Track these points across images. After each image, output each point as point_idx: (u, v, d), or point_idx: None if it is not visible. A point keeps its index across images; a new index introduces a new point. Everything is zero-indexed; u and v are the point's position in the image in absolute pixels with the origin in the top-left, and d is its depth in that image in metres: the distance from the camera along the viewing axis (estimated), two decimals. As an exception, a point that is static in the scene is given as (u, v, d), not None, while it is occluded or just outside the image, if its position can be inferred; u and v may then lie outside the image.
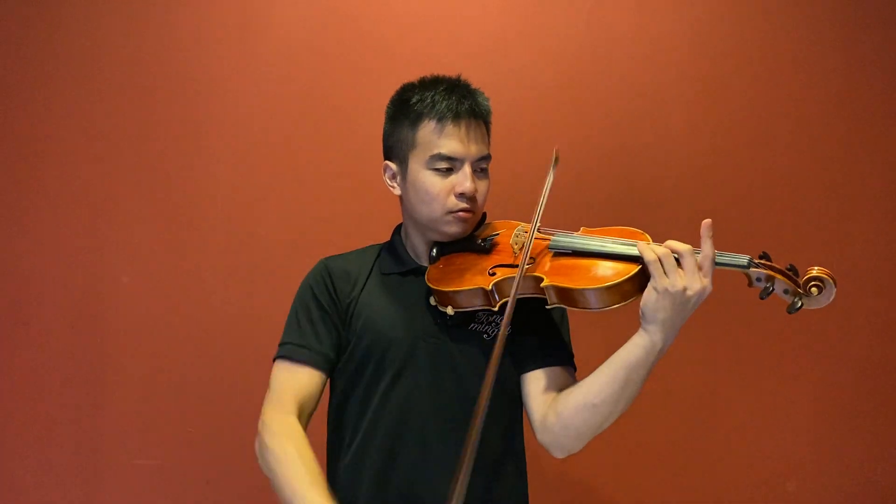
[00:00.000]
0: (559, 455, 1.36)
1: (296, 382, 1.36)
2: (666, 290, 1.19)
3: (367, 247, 1.53)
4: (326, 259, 1.48)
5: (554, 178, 1.36)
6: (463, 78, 1.43)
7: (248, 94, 2.07)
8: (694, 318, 2.03)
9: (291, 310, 1.44)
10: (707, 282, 1.20)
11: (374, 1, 2.08)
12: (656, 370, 2.03)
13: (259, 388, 1.99)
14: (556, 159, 1.38)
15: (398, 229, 1.51)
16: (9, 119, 2.05)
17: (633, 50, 2.09)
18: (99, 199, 2.05)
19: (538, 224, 1.33)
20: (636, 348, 1.24)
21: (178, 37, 2.07)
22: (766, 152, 2.09)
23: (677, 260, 1.20)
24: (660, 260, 1.20)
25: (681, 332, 2.02)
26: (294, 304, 1.45)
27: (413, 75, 2.03)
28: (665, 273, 1.19)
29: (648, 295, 1.21)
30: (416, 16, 2.08)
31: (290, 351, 1.38)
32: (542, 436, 1.35)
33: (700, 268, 1.20)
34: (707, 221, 1.20)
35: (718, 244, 1.23)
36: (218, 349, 2.03)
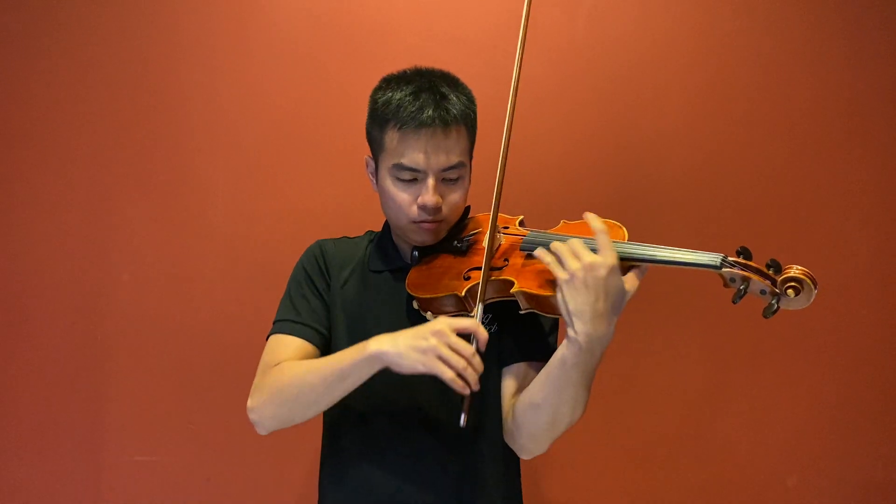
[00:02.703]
0: (523, 455, 1.34)
1: (288, 352, 1.34)
2: (564, 279, 1.15)
3: (364, 234, 1.51)
4: (321, 241, 1.47)
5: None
6: (444, 75, 1.37)
7: (248, 93, 2.06)
8: (695, 315, 2.06)
9: (286, 290, 1.43)
10: (601, 259, 1.13)
11: (374, -3, 2.08)
12: (658, 365, 2.06)
13: (259, 385, 2.01)
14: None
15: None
16: (8, 117, 2.05)
17: (631, 48, 2.09)
18: (99, 196, 2.05)
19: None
20: (563, 347, 1.19)
21: (176, 35, 2.06)
22: (764, 152, 2.09)
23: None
24: (556, 256, 1.17)
25: (681, 328, 2.06)
26: (288, 284, 1.44)
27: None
28: (560, 265, 1.16)
29: (557, 291, 1.16)
30: (414, 12, 2.07)
31: (283, 326, 1.37)
32: (505, 436, 1.34)
33: (600, 248, 1.14)
34: (586, 213, 1.19)
35: (714, 244, 1.20)
36: (219, 346, 2.03)
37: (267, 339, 1.39)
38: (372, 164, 1.40)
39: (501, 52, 2.06)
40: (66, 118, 2.05)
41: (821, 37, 2.09)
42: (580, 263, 1.14)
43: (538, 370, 1.30)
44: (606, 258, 1.14)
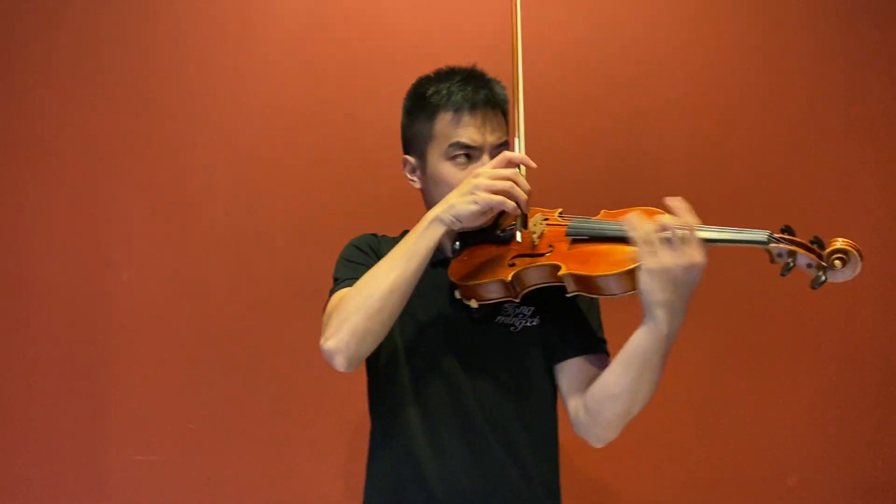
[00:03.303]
0: (596, 444, 1.36)
1: None
2: (653, 269, 1.15)
3: (400, 234, 1.52)
4: (366, 234, 1.49)
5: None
6: (478, 68, 1.44)
7: (249, 91, 2.07)
8: (695, 316, 2.04)
9: (338, 264, 1.42)
10: (696, 255, 1.15)
11: (375, -2, 2.09)
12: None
13: (260, 384, 2.02)
14: None
15: None
16: (9, 115, 2.05)
17: (635, 36, 2.09)
18: (99, 195, 2.05)
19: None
20: (642, 333, 1.21)
21: (177, 34, 2.07)
22: (764, 150, 2.10)
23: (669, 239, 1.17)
24: (646, 240, 1.17)
25: (682, 329, 2.05)
26: (340, 260, 1.43)
27: (413, 72, 2.02)
28: (652, 252, 1.16)
29: (641, 278, 1.17)
30: (417, 12, 2.08)
31: (342, 285, 1.35)
32: (576, 428, 1.36)
33: (684, 241, 1.15)
34: (675, 198, 1.19)
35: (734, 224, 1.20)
36: (219, 345, 2.03)
37: (327, 303, 1.38)
38: (412, 161, 1.43)
39: (502, 52, 2.06)
40: (66, 117, 2.05)
41: (817, 37, 2.10)
42: (680, 259, 1.15)
43: (593, 363, 1.36)
44: (696, 258, 1.16)
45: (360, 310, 1.23)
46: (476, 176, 1.24)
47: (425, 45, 2.06)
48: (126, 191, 2.05)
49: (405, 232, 1.51)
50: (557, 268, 1.25)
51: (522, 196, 1.23)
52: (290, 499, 2.02)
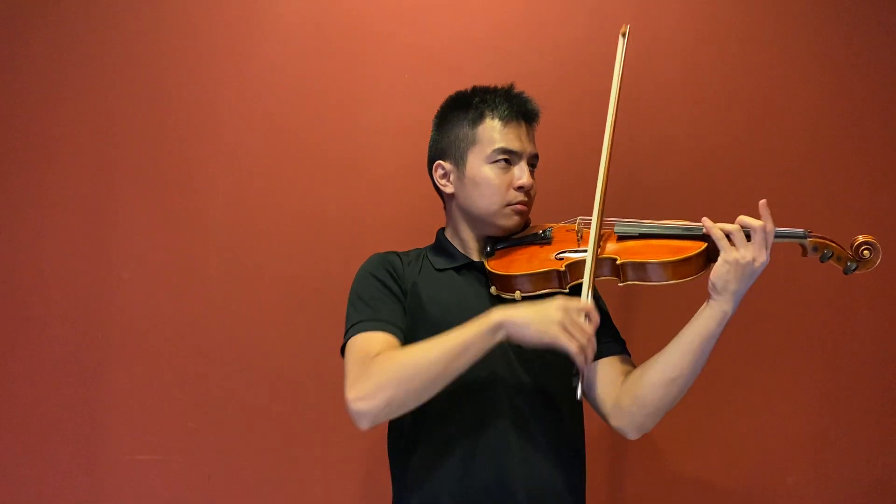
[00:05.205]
0: (634, 436, 1.44)
1: (379, 344, 1.34)
2: (737, 261, 1.28)
3: (409, 250, 1.55)
4: (379, 253, 1.50)
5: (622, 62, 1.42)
6: (516, 86, 1.51)
7: (249, 91, 2.07)
8: (695, 313, 2.06)
9: (350, 299, 1.44)
10: (766, 258, 1.30)
11: (376, -2, 2.09)
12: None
13: (259, 383, 2.02)
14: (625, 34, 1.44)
15: (441, 231, 1.55)
16: (11, 114, 2.05)
17: (637, 39, 2.09)
18: (100, 194, 2.05)
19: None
20: (709, 320, 1.33)
21: (178, 34, 2.07)
22: (763, 151, 2.10)
23: (747, 235, 1.30)
24: (728, 235, 1.30)
25: (681, 328, 2.05)
26: (352, 293, 1.44)
27: (413, 72, 2.05)
28: (735, 246, 1.29)
29: (720, 267, 1.30)
30: (416, 12, 2.08)
31: (365, 325, 1.37)
32: (616, 420, 1.43)
33: (764, 239, 1.29)
34: (763, 201, 1.30)
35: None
36: (218, 344, 2.03)
37: (345, 344, 1.39)
38: (445, 166, 1.49)
39: (504, 53, 2.07)
40: (66, 117, 2.05)
41: (824, 36, 2.10)
42: (760, 256, 1.29)
43: (626, 361, 1.47)
44: (767, 257, 1.31)
45: (402, 385, 1.26)
46: (562, 309, 1.24)
47: (427, 46, 2.06)
48: (126, 190, 2.05)
49: (413, 249, 1.55)
50: (614, 259, 1.34)
51: (591, 356, 1.26)
52: (290, 497, 2.02)
